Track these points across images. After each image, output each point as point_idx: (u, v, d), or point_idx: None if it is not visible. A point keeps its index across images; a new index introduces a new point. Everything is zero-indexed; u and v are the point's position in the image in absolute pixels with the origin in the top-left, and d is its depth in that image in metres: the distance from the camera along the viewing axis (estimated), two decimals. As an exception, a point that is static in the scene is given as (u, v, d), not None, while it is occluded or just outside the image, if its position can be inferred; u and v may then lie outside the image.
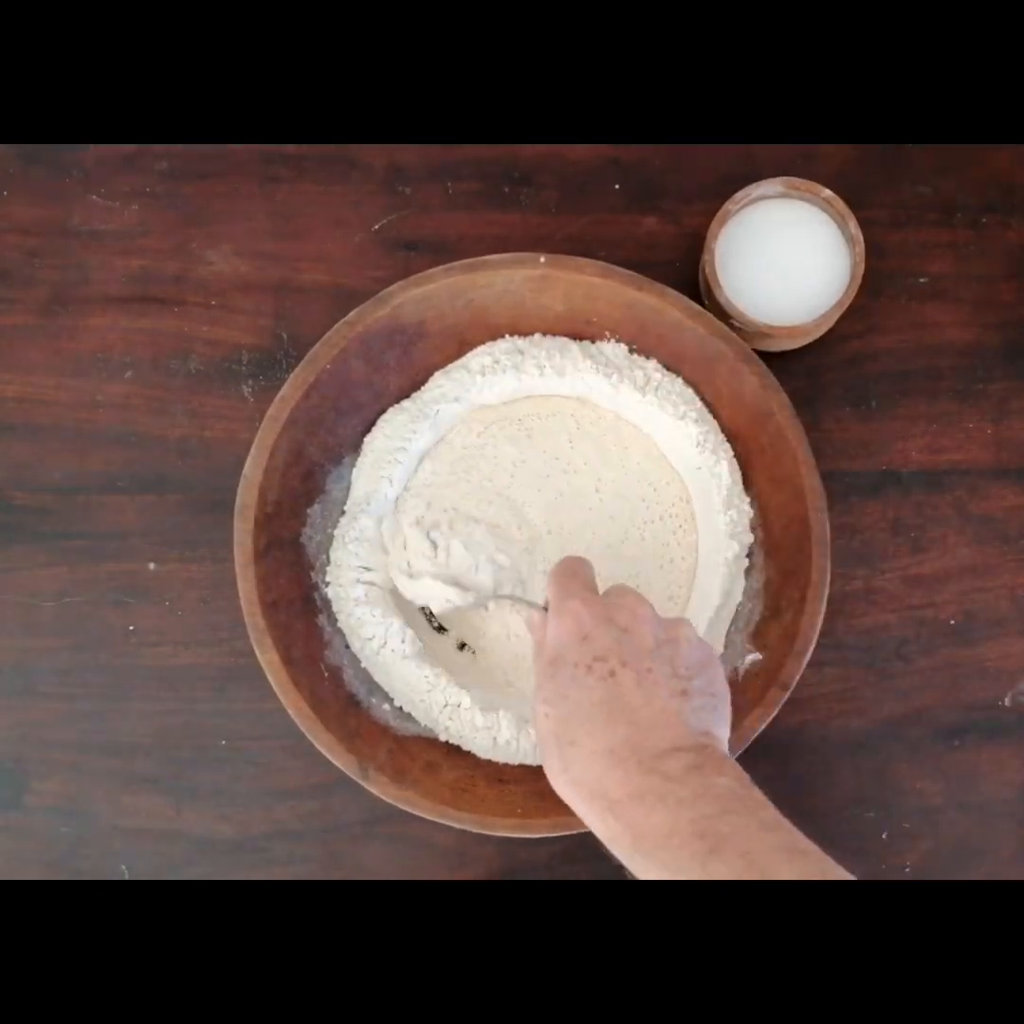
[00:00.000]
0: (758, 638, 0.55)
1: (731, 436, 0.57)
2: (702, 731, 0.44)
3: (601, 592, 0.49)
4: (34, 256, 0.62)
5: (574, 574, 0.49)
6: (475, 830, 0.52)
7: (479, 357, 0.57)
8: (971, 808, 0.59)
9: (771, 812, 0.42)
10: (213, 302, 0.62)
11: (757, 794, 0.42)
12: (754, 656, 0.55)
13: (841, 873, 0.40)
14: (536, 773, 0.55)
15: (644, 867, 0.41)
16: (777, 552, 0.56)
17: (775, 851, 0.40)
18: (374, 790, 0.52)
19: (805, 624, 0.53)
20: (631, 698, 0.44)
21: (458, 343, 0.58)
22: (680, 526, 0.58)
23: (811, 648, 0.53)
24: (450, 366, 0.58)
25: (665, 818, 0.41)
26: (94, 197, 0.62)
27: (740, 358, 0.55)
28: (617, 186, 0.62)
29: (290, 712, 0.53)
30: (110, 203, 0.62)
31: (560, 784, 0.44)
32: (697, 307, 0.55)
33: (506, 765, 0.55)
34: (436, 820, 0.52)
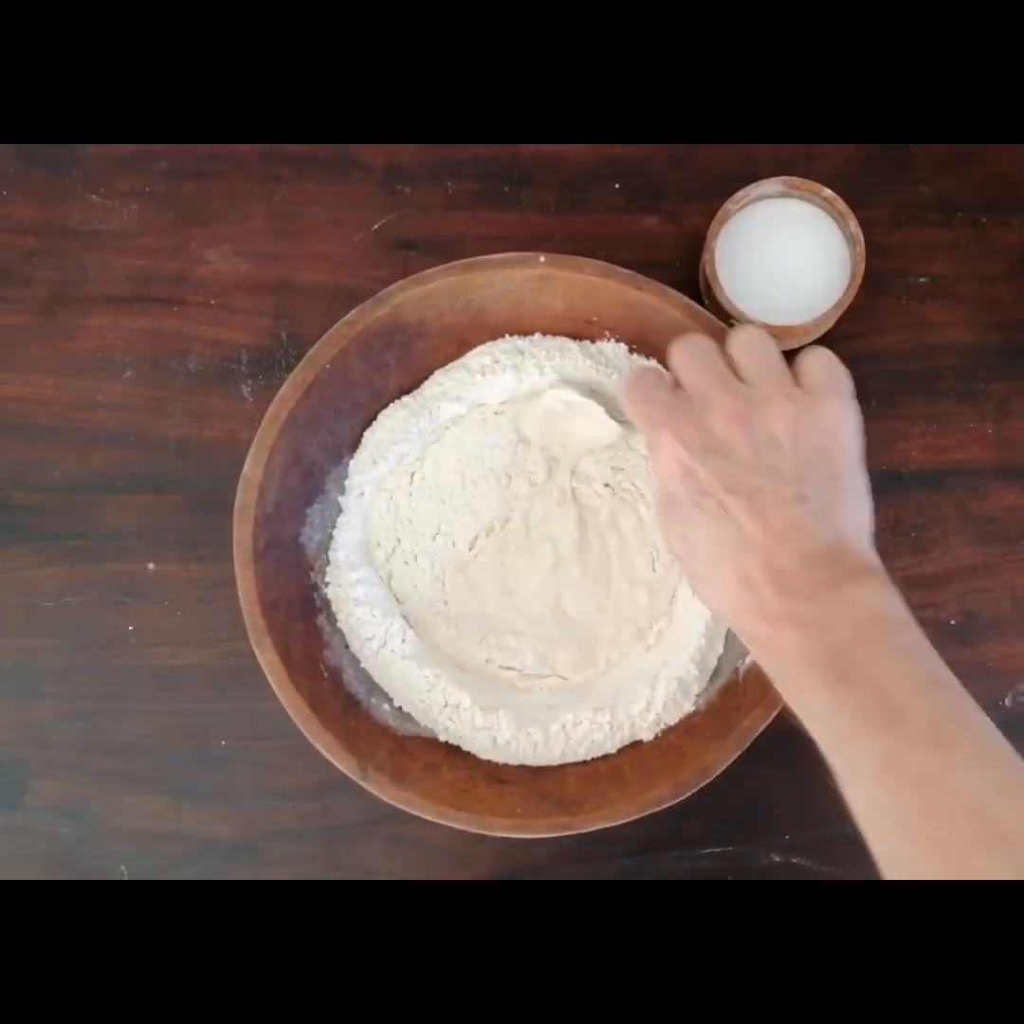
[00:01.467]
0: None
1: None
2: (833, 536, 0.41)
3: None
4: (34, 256, 0.62)
5: (649, 393, 0.46)
6: (475, 830, 0.52)
7: (479, 357, 0.57)
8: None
9: (912, 635, 0.39)
10: (213, 302, 0.62)
11: (899, 612, 0.40)
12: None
13: (978, 712, 0.38)
14: (536, 773, 0.55)
15: (783, 693, 0.41)
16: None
17: (910, 682, 0.38)
18: (374, 790, 0.52)
19: None
20: (748, 525, 0.42)
21: (458, 343, 0.58)
22: None
23: None
24: (450, 365, 0.58)
25: (800, 642, 0.39)
26: (94, 197, 0.62)
27: None
28: (617, 186, 0.62)
29: (290, 712, 0.52)
30: (110, 203, 0.62)
31: (710, 609, 0.44)
32: (697, 307, 0.55)
33: (506, 765, 0.55)
34: (436, 821, 0.52)
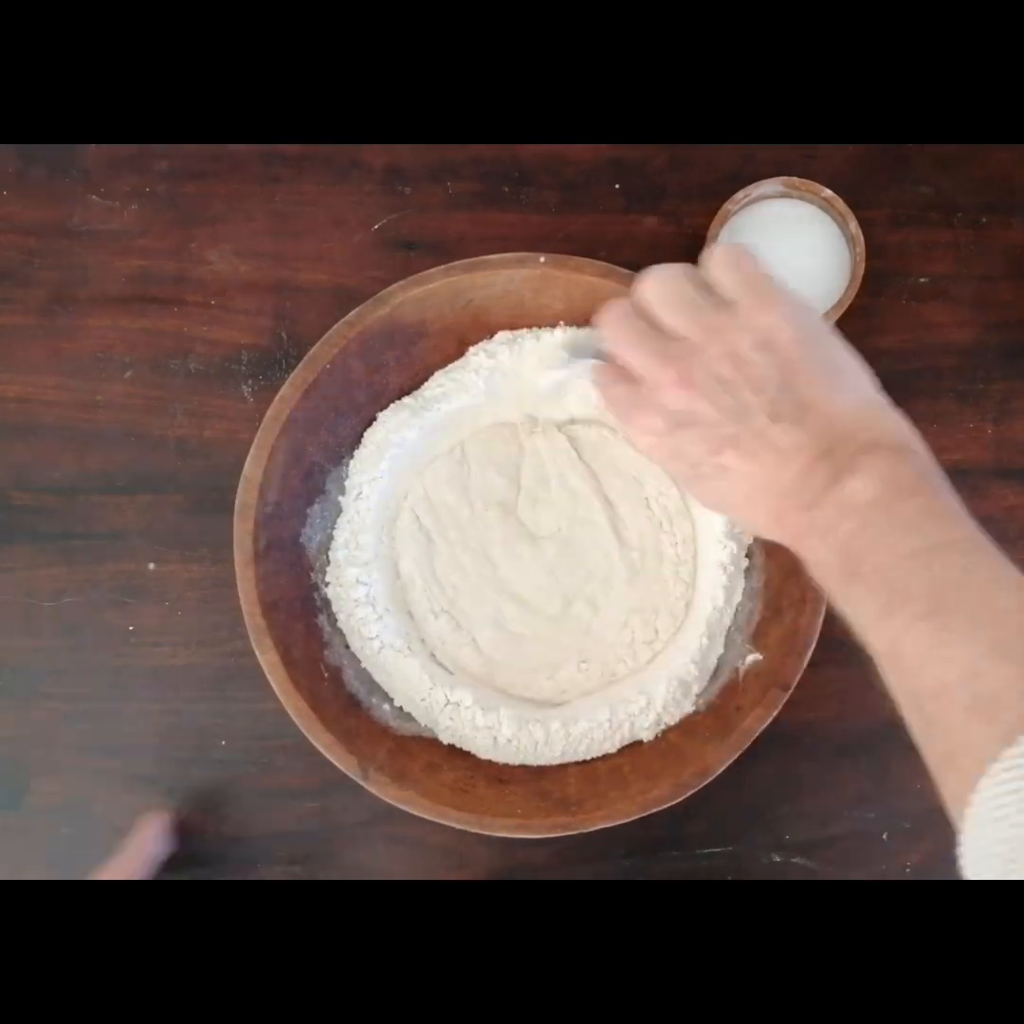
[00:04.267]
0: (758, 638, 0.55)
1: None
2: (822, 426, 0.41)
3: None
4: (34, 256, 0.62)
5: (610, 397, 0.46)
6: (475, 830, 0.52)
7: (479, 357, 0.57)
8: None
9: (914, 502, 0.39)
10: (213, 302, 0.62)
11: (899, 479, 0.39)
12: (754, 656, 0.55)
13: (979, 571, 0.37)
14: (536, 773, 0.55)
15: (831, 598, 0.41)
16: (777, 552, 0.56)
17: (910, 558, 0.38)
18: (374, 790, 0.52)
19: (805, 624, 0.53)
20: (746, 471, 0.42)
21: (458, 343, 0.58)
22: (678, 525, 0.58)
23: (811, 648, 0.53)
24: (450, 366, 0.58)
25: (816, 552, 0.41)
26: (94, 197, 0.62)
27: None
28: (617, 186, 0.62)
29: (290, 712, 0.52)
30: (110, 203, 0.62)
31: (770, 536, 0.44)
32: None
33: (506, 765, 0.55)
34: (436, 820, 0.52)
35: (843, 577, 0.39)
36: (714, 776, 0.52)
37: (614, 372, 0.47)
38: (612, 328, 0.46)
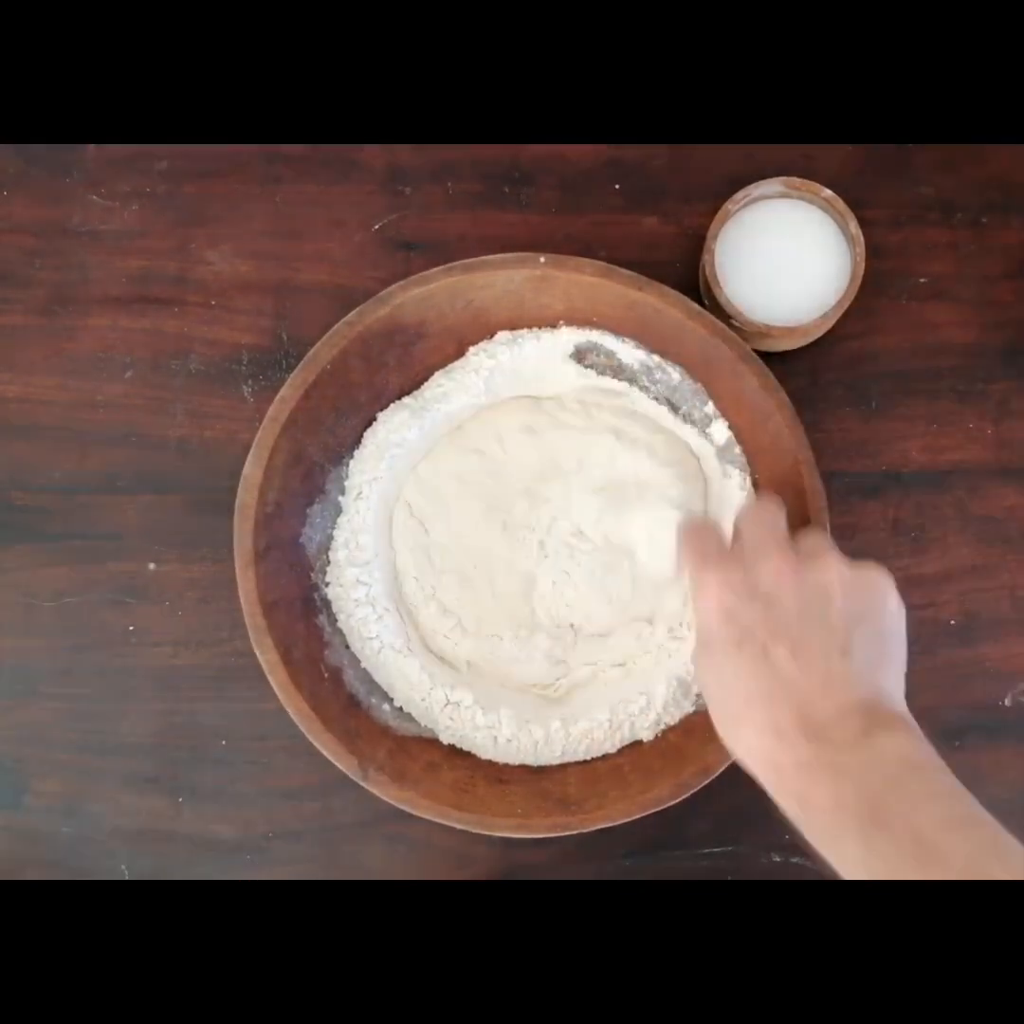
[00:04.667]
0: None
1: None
2: (870, 689, 0.42)
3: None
4: (34, 256, 0.62)
5: (704, 540, 0.48)
6: (475, 830, 0.52)
7: (479, 357, 0.57)
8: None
9: (945, 779, 0.40)
10: (213, 302, 0.62)
11: (930, 757, 0.41)
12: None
13: (1015, 844, 0.38)
14: (537, 773, 0.55)
15: (813, 839, 0.41)
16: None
17: (945, 822, 0.38)
18: (374, 790, 0.52)
19: None
20: (788, 672, 0.42)
21: (458, 343, 0.58)
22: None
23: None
24: (450, 366, 0.58)
25: (831, 789, 0.40)
26: (94, 197, 0.62)
27: (740, 358, 0.55)
28: (617, 186, 0.62)
29: (290, 712, 0.52)
30: (110, 203, 0.62)
31: (735, 753, 0.44)
32: (697, 307, 0.55)
33: (506, 765, 0.55)
34: (436, 820, 0.52)
35: (869, 824, 0.39)
36: (714, 776, 0.52)
37: (714, 528, 0.49)
38: (749, 515, 0.48)
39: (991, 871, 0.37)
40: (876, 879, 0.39)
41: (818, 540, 0.47)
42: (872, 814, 0.39)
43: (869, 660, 0.43)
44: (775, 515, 0.48)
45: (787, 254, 0.57)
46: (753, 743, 0.43)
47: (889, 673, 0.44)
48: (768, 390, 0.54)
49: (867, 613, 0.44)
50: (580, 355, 0.58)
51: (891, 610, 0.45)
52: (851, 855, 0.40)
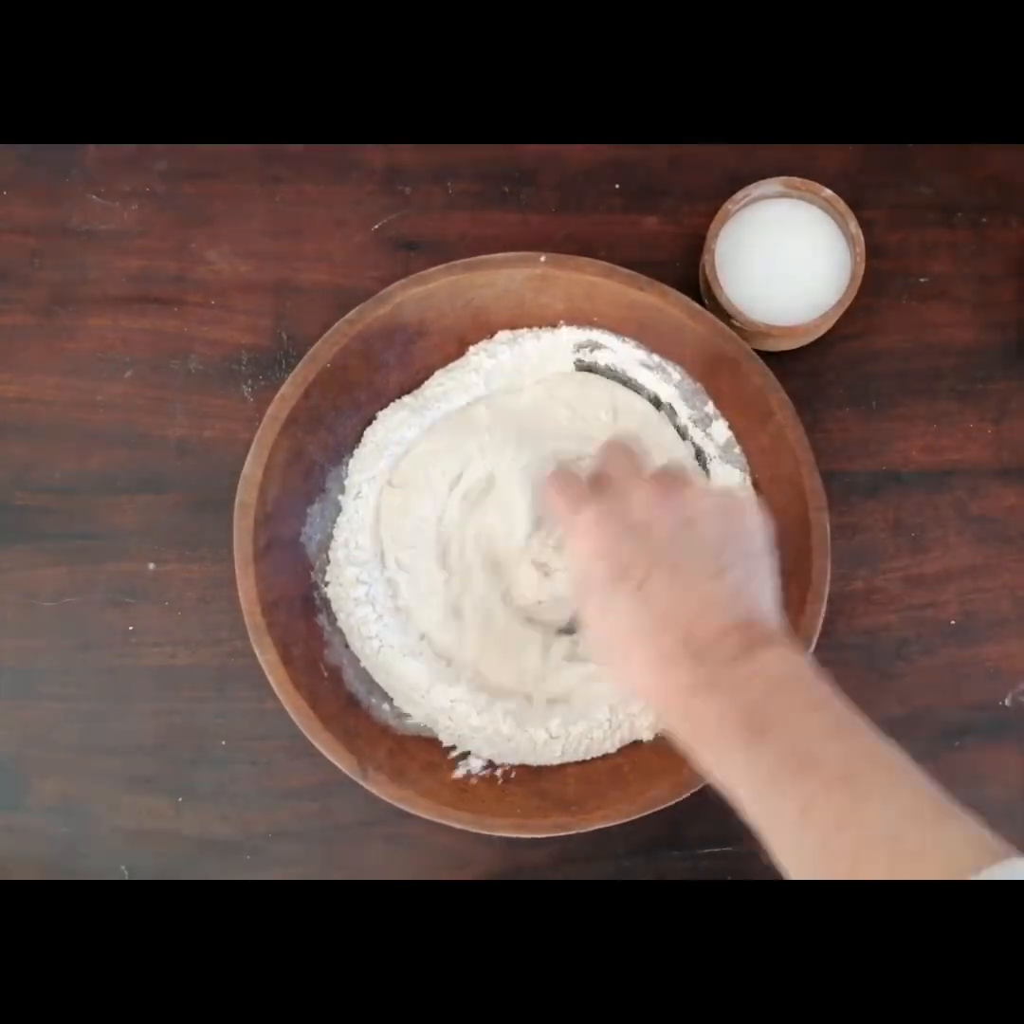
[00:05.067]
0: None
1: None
2: (746, 608, 0.43)
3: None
4: (34, 256, 0.62)
5: (568, 483, 0.48)
6: (475, 830, 0.52)
7: (479, 356, 0.57)
8: (971, 809, 0.59)
9: (821, 689, 0.41)
10: (213, 302, 0.62)
11: (806, 670, 0.42)
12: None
13: (889, 749, 0.39)
14: (536, 773, 0.55)
15: (702, 759, 0.42)
16: (777, 552, 0.56)
17: (821, 731, 0.39)
18: (374, 790, 0.52)
19: (805, 624, 0.53)
20: (666, 600, 0.43)
21: (458, 342, 0.58)
22: None
23: (812, 648, 0.53)
24: (451, 365, 0.58)
25: (715, 706, 0.41)
26: (94, 197, 0.62)
27: (740, 358, 0.55)
28: (617, 186, 0.62)
29: (290, 712, 0.52)
30: (110, 203, 0.62)
31: (628, 690, 0.45)
32: (698, 307, 0.55)
33: (505, 765, 0.55)
34: (436, 820, 0.52)
35: (750, 736, 0.40)
36: (714, 776, 0.52)
37: (575, 473, 0.49)
38: (605, 451, 0.49)
39: (863, 775, 0.38)
40: (760, 793, 0.40)
41: (676, 470, 0.47)
42: (753, 726, 0.40)
43: (741, 580, 0.44)
44: (632, 451, 0.48)
45: (787, 254, 0.57)
46: (643, 676, 0.43)
47: (762, 591, 0.45)
48: (768, 390, 0.54)
49: (733, 535, 0.45)
50: (580, 354, 0.58)
51: (754, 529, 0.46)
52: (737, 773, 0.41)
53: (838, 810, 0.38)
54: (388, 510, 0.57)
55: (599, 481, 0.48)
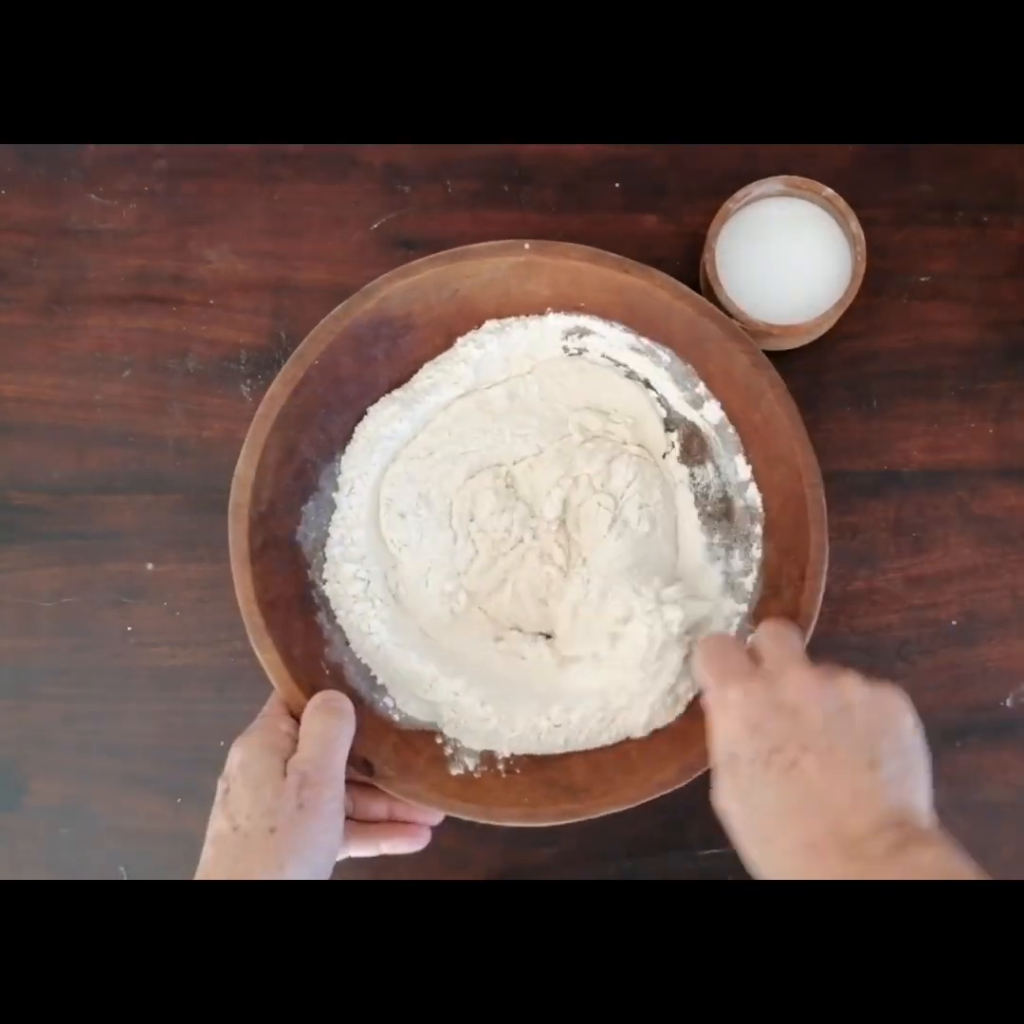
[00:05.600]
0: (759, 617, 0.55)
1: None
2: (900, 802, 0.42)
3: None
4: (32, 255, 0.62)
5: (724, 656, 0.47)
6: (483, 821, 0.52)
7: (467, 347, 0.57)
8: (972, 809, 0.59)
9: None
10: (211, 301, 0.61)
11: (965, 866, 0.40)
12: (755, 634, 0.54)
13: None
14: (541, 762, 0.55)
15: None
16: (775, 531, 0.55)
17: None
18: (380, 785, 0.52)
19: (805, 602, 0.52)
20: (818, 785, 0.42)
21: (446, 334, 0.57)
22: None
23: (812, 625, 0.52)
24: (439, 357, 0.58)
25: None
26: (92, 196, 0.62)
27: (730, 337, 0.54)
28: (617, 185, 0.62)
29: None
30: (109, 202, 0.62)
31: (765, 874, 0.42)
32: (685, 288, 0.54)
33: (511, 755, 0.55)
34: (443, 812, 0.52)
35: None
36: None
37: (734, 642, 0.49)
38: (767, 634, 0.48)
39: None
40: None
41: (834, 664, 0.47)
42: None
43: (897, 773, 0.43)
44: (793, 634, 0.48)
45: (788, 253, 0.57)
46: (785, 863, 0.42)
47: (918, 788, 0.43)
48: (759, 368, 0.54)
49: (889, 727, 0.44)
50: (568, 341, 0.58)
51: (910, 725, 0.45)
52: None
53: None
54: (391, 481, 0.58)
55: (752, 656, 0.48)
